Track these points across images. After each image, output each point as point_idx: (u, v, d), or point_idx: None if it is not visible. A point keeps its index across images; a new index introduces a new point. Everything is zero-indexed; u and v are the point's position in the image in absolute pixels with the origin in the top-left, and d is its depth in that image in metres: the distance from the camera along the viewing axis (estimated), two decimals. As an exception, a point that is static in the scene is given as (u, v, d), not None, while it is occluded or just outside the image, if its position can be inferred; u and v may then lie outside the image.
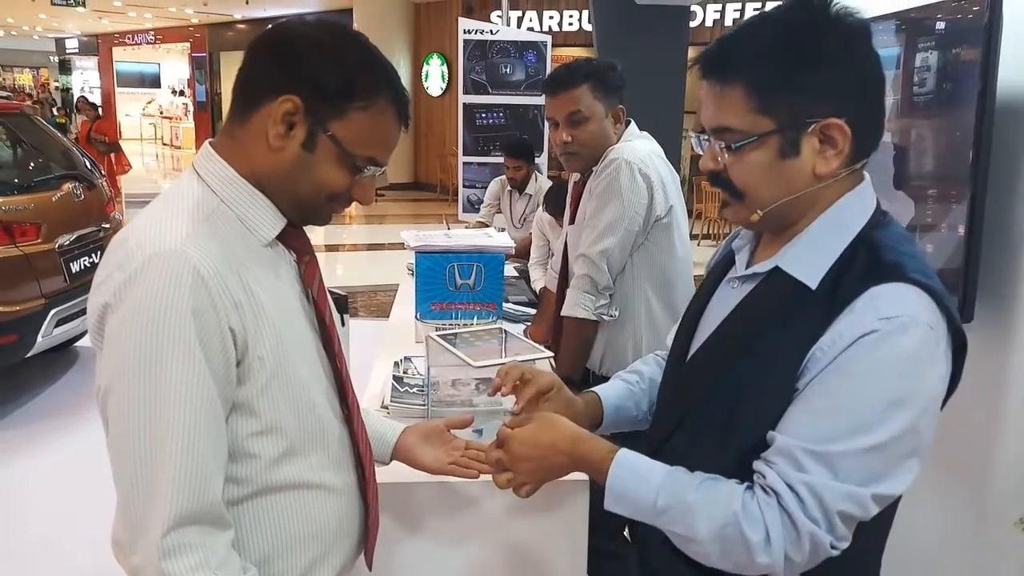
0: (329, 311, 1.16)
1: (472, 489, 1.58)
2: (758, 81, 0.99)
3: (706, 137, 1.07)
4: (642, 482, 1.05)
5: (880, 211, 1.07)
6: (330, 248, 9.17)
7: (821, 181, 1.03)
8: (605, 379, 2.07)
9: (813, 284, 1.02)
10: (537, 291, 3.55)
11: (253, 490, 1.05)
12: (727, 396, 1.08)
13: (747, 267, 1.15)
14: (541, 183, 4.69)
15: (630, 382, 1.44)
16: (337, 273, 8.13)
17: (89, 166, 4.97)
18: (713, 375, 1.12)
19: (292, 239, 1.11)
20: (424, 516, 1.63)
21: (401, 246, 2.60)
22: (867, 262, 1.00)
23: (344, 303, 1.28)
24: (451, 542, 1.64)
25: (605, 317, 2.07)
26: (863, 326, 0.95)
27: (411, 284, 2.50)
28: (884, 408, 0.94)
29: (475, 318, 2.41)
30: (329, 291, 1.24)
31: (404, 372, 2.07)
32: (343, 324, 1.21)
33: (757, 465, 1.01)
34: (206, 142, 1.09)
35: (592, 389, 1.41)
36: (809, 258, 1.04)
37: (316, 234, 10.07)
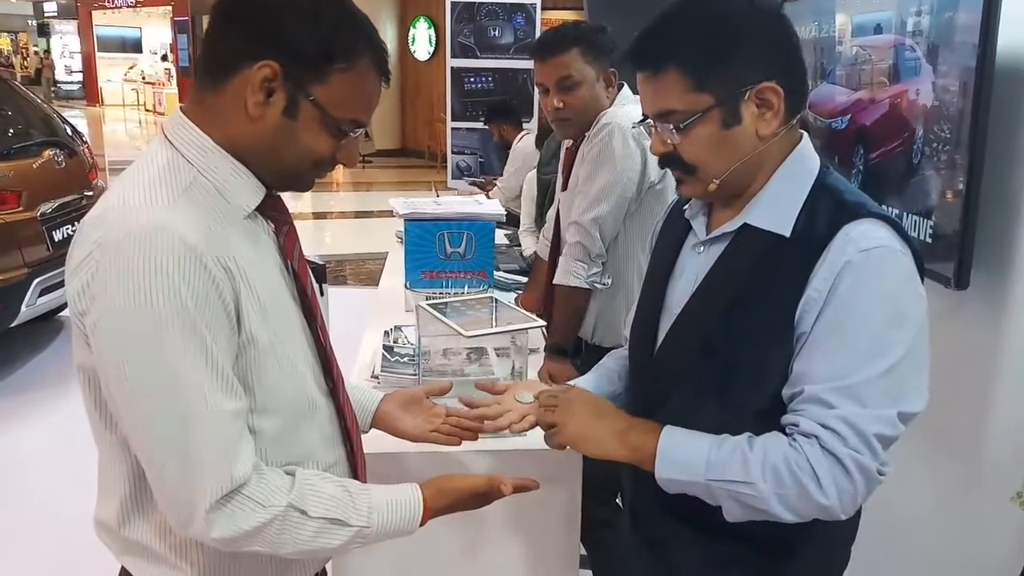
0: (310, 282, 1.13)
1: (463, 457, 1.57)
2: (691, 63, 1.07)
3: (652, 123, 1.13)
4: (692, 443, 1.08)
5: (823, 163, 1.15)
6: (318, 216, 9.08)
7: (765, 142, 1.10)
8: (597, 348, 2.08)
9: (787, 232, 1.08)
10: (528, 258, 3.52)
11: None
12: (723, 350, 1.11)
13: (708, 232, 1.19)
14: (523, 143, 4.65)
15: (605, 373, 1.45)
16: (325, 241, 8.07)
17: (70, 132, 4.87)
18: (704, 332, 1.14)
19: (270, 208, 1.08)
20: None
21: (390, 214, 2.57)
22: (832, 205, 1.08)
23: (322, 272, 1.25)
24: (443, 513, 1.63)
25: (598, 285, 2.04)
26: (845, 261, 1.02)
27: (401, 252, 2.47)
28: (887, 331, 1.01)
29: (466, 287, 2.39)
30: (307, 260, 1.21)
31: (394, 341, 2.04)
32: (322, 294, 1.18)
33: (787, 418, 1.05)
34: (177, 109, 1.05)
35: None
36: (775, 210, 1.10)
37: (303, 201, 10.00)
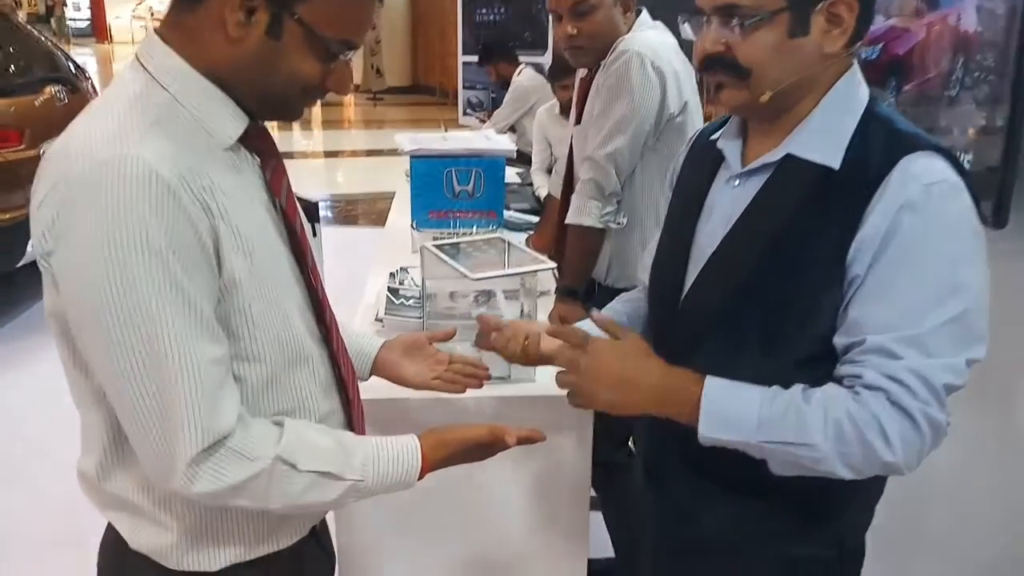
0: (300, 221, 1.06)
1: (468, 403, 1.50)
2: None
3: (705, 18, 1.05)
4: (740, 398, 1.00)
5: (873, 92, 1.07)
6: (329, 155, 8.97)
7: (826, 61, 1.02)
8: (611, 290, 1.99)
9: (836, 164, 1.00)
10: (541, 199, 3.41)
11: None
12: (765, 294, 1.04)
13: (744, 163, 1.10)
14: (522, 77, 4.51)
15: (628, 312, 1.38)
16: (336, 180, 7.97)
17: (73, 69, 4.76)
18: (742, 273, 1.06)
19: (255, 141, 0.99)
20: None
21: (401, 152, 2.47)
22: (886, 136, 1.01)
23: (315, 211, 1.17)
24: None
25: (612, 225, 1.95)
26: (907, 197, 0.95)
27: (408, 191, 2.38)
28: (954, 273, 0.95)
29: (474, 227, 2.30)
30: (297, 198, 1.13)
31: (400, 283, 1.97)
32: (314, 234, 1.10)
33: (846, 370, 0.99)
34: (151, 31, 0.96)
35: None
36: (822, 140, 1.02)
37: (314, 140, 9.88)
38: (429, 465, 1.05)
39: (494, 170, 2.30)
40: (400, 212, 2.70)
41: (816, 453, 0.96)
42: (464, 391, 1.32)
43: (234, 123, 0.94)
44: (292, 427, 0.97)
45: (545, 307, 1.96)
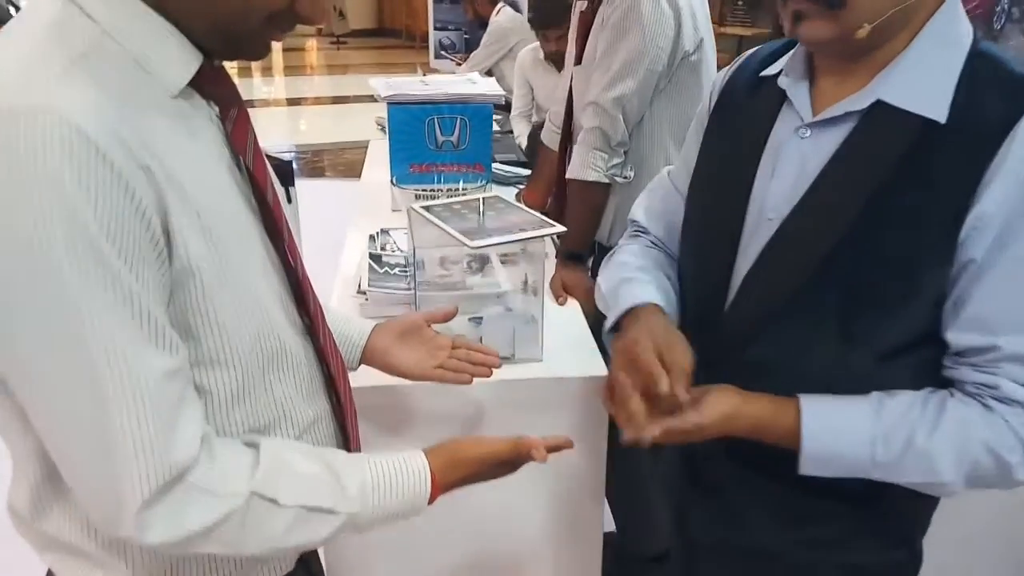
0: (271, 184, 0.85)
1: (466, 387, 1.31)
2: None
3: None
4: (848, 434, 0.87)
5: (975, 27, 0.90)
6: (291, 102, 8.58)
7: None
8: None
9: (942, 117, 0.83)
10: (523, 148, 3.18)
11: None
12: (852, 272, 0.86)
13: (816, 111, 0.91)
14: (501, 17, 4.23)
15: (663, 287, 1.11)
16: (300, 129, 7.63)
17: (13, 12, 4.37)
18: (822, 248, 0.88)
19: (212, 85, 0.77)
20: (413, 422, 1.38)
21: (368, 98, 2.24)
22: (1003, 82, 0.83)
23: (289, 172, 0.95)
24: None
25: (618, 179, 1.74)
26: None
27: (383, 143, 2.16)
28: None
29: (461, 182, 2.09)
30: (267, 156, 0.91)
31: (382, 248, 1.76)
32: (289, 200, 0.89)
33: (975, 376, 0.85)
34: None
35: (647, 304, 1.04)
36: (922, 85, 0.85)
37: (275, 87, 9.45)
38: (440, 489, 0.87)
39: (481, 118, 2.08)
40: (375, 166, 2.46)
41: (945, 487, 0.85)
42: (471, 381, 1.13)
43: (184, 62, 0.72)
44: (270, 450, 0.78)
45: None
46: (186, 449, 0.70)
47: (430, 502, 0.86)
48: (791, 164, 0.92)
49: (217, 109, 0.78)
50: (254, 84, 9.33)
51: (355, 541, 1.37)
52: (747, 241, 0.95)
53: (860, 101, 0.87)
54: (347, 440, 0.95)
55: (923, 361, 0.88)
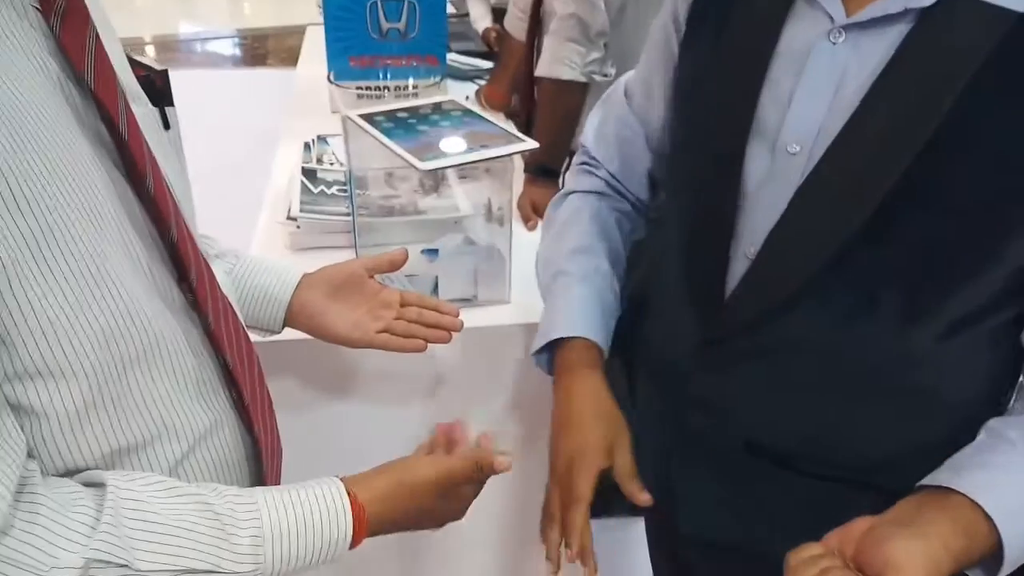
0: (125, 105, 0.59)
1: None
2: None
3: None
4: None
5: None
6: (231, -19, 7.91)
7: None
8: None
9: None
10: (482, 35, 2.84)
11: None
12: (915, 228, 0.67)
13: (848, 9, 0.69)
14: None
15: (599, 290, 0.93)
16: (243, 12, 7.05)
17: None
18: (876, 194, 0.67)
19: None
20: (354, 381, 1.16)
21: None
22: None
23: (164, 86, 0.69)
24: (400, 402, 1.18)
25: (597, 77, 1.48)
26: None
27: (323, 28, 1.85)
28: None
29: (410, 78, 1.80)
30: (133, 62, 0.65)
31: (317, 161, 1.49)
32: (167, 127, 0.64)
33: None
34: None
35: (578, 339, 0.89)
36: None
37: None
38: (368, 530, 0.65)
39: (433, 0, 1.78)
40: (312, 57, 2.14)
41: None
42: (424, 348, 0.91)
43: None
44: (120, 491, 0.55)
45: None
46: None
47: (353, 546, 0.64)
48: (822, 79, 0.69)
49: (37, 2, 0.54)
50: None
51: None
52: (759, 185, 0.73)
53: None
54: (258, 451, 0.72)
55: (988, 332, 0.71)
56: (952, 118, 0.63)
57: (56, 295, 0.52)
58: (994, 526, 0.60)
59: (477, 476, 0.72)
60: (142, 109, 0.64)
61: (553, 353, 0.90)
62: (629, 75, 1.00)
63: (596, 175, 1.00)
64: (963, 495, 0.62)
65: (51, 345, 0.53)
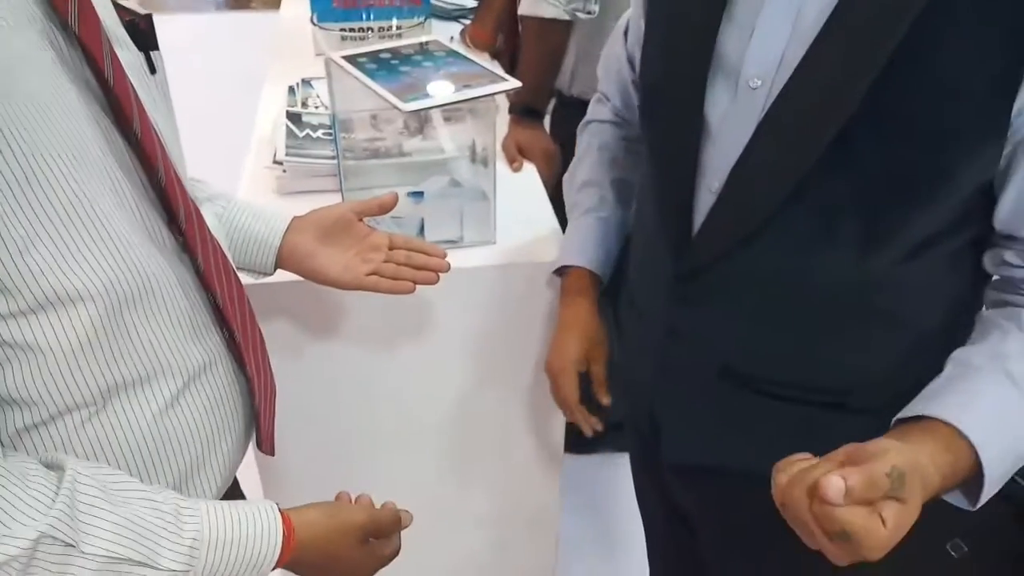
0: (110, 50, 0.60)
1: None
2: None
3: None
4: (1012, 429, 0.65)
5: None
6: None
7: None
8: (576, 102, 1.56)
9: None
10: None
11: (49, 413, 0.60)
12: (873, 155, 0.68)
13: None
14: None
15: (600, 214, 1.06)
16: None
17: None
18: (832, 125, 0.68)
19: None
20: (341, 322, 1.18)
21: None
22: None
23: (149, 29, 0.69)
24: (387, 346, 1.21)
25: (580, 15, 1.46)
26: None
27: (302, -32, 1.81)
28: None
29: (394, 18, 1.78)
30: (117, 5, 0.66)
31: (302, 104, 1.49)
32: (152, 71, 0.65)
33: None
34: None
35: (575, 268, 1.05)
36: None
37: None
38: (292, 552, 0.67)
39: (415, -63, 1.75)
40: (296, -2, 2.11)
41: None
42: (413, 289, 0.93)
43: None
44: (78, 475, 0.57)
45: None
46: None
47: (280, 563, 0.67)
48: (782, 8, 0.70)
49: None
50: None
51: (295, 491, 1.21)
52: (721, 121, 0.75)
53: None
54: (251, 389, 0.75)
55: (946, 255, 0.73)
56: (907, 44, 0.64)
57: (44, 238, 0.54)
58: (971, 445, 0.61)
59: (396, 528, 0.76)
60: (128, 54, 0.65)
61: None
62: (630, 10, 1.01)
63: (605, 106, 1.08)
64: (939, 420, 0.63)
65: (45, 288, 0.55)
